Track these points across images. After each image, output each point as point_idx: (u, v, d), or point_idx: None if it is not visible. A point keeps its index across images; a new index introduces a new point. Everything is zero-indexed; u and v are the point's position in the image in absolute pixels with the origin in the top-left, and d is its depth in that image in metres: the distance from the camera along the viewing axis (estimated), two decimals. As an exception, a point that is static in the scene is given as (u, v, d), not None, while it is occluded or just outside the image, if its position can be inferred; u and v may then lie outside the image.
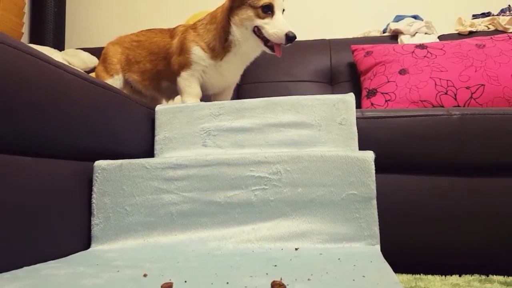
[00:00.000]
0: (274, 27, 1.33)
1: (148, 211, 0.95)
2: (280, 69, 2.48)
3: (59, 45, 2.76)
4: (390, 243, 1.25)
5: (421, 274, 1.23)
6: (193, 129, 1.26)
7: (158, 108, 1.30)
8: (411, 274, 1.22)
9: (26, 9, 2.71)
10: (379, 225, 0.93)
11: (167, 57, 1.57)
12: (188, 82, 1.50)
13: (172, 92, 1.66)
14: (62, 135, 0.91)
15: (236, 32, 1.41)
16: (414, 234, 1.32)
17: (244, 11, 1.38)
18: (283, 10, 1.39)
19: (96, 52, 2.58)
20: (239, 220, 0.89)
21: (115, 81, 1.63)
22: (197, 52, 1.46)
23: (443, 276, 1.19)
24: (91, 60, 2.48)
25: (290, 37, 1.31)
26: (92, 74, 2.23)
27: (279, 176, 0.88)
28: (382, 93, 1.98)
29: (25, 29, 2.72)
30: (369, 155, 0.85)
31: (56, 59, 2.21)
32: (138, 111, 1.26)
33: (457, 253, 1.28)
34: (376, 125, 1.43)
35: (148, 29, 1.73)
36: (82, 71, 1.06)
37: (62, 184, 0.92)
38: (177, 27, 1.62)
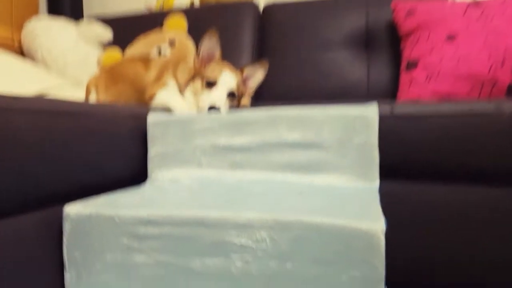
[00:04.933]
0: (205, 100, 1.31)
1: (119, 271, 0.82)
2: (306, 32, 2.20)
3: (77, 14, 2.62)
4: (413, 259, 1.12)
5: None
6: (188, 145, 1.10)
7: (150, 119, 1.13)
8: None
9: (43, -21, 2.57)
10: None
11: (136, 86, 1.57)
12: (169, 95, 1.40)
13: None
14: (17, 186, 0.78)
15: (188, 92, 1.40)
16: (443, 250, 1.17)
17: (196, 82, 1.37)
18: (231, 93, 1.36)
19: (113, 22, 2.41)
20: (218, 294, 0.74)
21: (91, 96, 1.68)
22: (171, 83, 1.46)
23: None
24: (106, 33, 2.33)
25: (209, 108, 1.27)
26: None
27: (264, 246, 0.71)
28: (424, 66, 1.69)
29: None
30: (378, 227, 0.65)
31: (70, 34, 2.11)
32: (125, 127, 1.10)
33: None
34: (407, 125, 1.21)
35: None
36: (40, 97, 0.90)
37: (28, 242, 0.81)
38: (152, 60, 1.63)
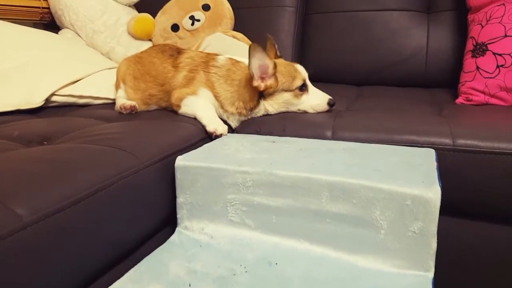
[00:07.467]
0: (315, 99, 1.33)
1: None
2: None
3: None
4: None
5: None
6: (218, 198, 1.00)
7: (178, 164, 1.03)
8: None
9: None
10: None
11: (163, 84, 1.45)
12: (196, 103, 1.34)
13: None
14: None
15: (269, 107, 1.34)
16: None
17: (279, 96, 1.31)
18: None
19: None
20: None
21: (121, 91, 1.57)
22: (208, 96, 1.36)
23: None
24: None
25: (332, 104, 1.32)
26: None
27: None
28: (494, 54, 1.44)
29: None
30: None
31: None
32: (151, 180, 1.00)
33: None
34: (469, 160, 1.06)
35: (151, 47, 1.67)
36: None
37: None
38: (181, 56, 1.47)
